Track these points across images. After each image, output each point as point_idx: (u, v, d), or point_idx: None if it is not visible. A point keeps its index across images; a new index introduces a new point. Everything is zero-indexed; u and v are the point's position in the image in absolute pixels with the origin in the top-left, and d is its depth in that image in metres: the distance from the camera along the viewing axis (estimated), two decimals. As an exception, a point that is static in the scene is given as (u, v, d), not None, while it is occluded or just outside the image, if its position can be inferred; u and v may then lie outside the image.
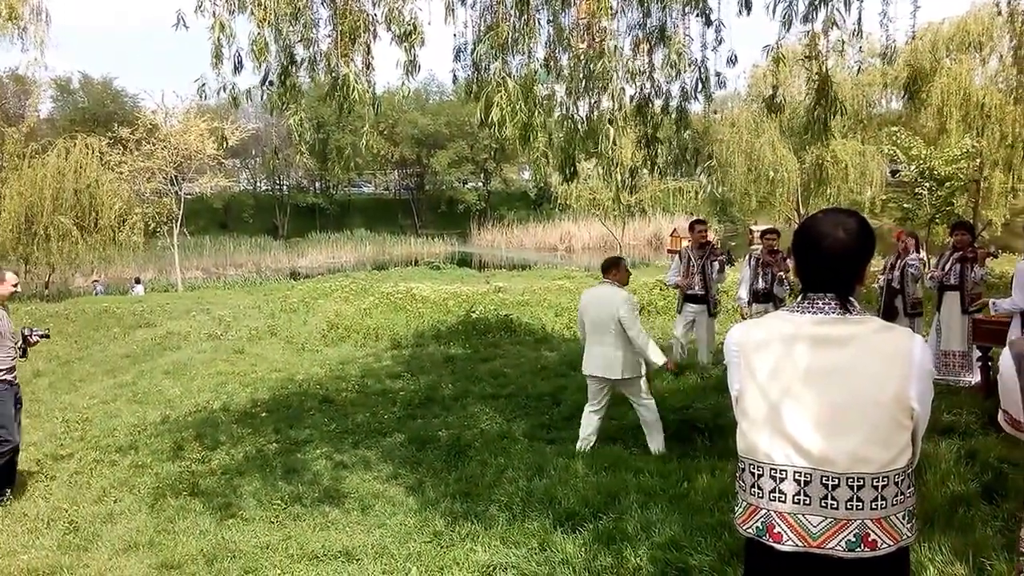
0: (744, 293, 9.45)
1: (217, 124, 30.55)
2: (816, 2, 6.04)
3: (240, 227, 53.94)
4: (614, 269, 6.68)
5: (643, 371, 6.62)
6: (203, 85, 5.44)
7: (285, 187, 62.85)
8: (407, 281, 24.03)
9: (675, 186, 32.12)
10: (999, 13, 11.76)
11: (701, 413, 7.08)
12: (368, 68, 5.36)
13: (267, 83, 5.59)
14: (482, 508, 5.51)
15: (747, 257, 10.17)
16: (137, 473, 7.18)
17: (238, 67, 5.49)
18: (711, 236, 10.76)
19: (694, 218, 10.13)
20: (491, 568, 4.54)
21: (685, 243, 9.78)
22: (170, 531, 5.71)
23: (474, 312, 14.95)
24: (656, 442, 6.59)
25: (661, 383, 8.60)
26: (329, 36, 5.44)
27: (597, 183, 28.90)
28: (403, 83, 5.49)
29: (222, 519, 5.85)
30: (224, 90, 5.48)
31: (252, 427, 8.37)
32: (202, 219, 50.85)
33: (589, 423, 6.73)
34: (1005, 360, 2.17)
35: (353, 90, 5.02)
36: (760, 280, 9.21)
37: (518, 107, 4.92)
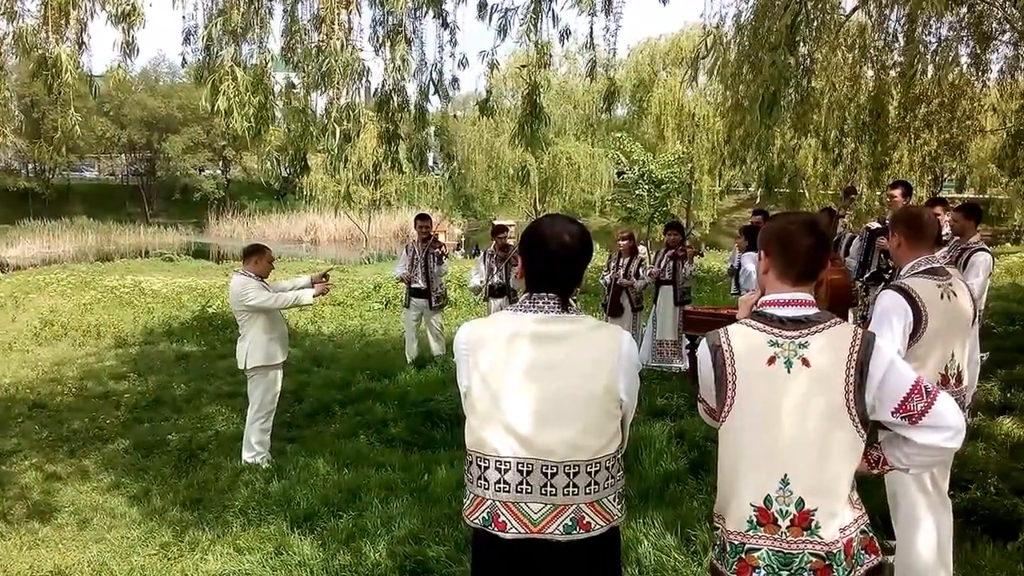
0: (476, 284, 9.75)
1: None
2: (529, 15, 6.32)
3: (-67, 213, 46.95)
4: (255, 257, 6.34)
5: (270, 364, 6.32)
6: None
7: (-9, 170, 55.44)
8: (135, 274, 22.43)
9: (420, 180, 32.52)
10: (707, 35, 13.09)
11: (441, 405, 7.22)
12: (83, 47, 4.90)
13: (-38, 58, 4.95)
14: (215, 515, 5.28)
15: (483, 253, 10.50)
16: None
17: (-76, 39, 4.83)
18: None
19: (418, 212, 10.27)
20: (223, 577, 4.36)
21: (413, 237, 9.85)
22: None
23: (211, 307, 14.20)
24: (244, 452, 6.41)
25: (404, 376, 8.71)
26: (37, 11, 4.90)
27: (340, 176, 28.58)
28: (119, 65, 5.09)
29: (-97, 548, 5.11)
30: (-93, 63, 4.81)
31: (-57, 441, 7.38)
32: None
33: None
34: (701, 351, 2.38)
35: (65, 71, 4.56)
36: (495, 275, 9.55)
37: (247, 98, 4.74)
